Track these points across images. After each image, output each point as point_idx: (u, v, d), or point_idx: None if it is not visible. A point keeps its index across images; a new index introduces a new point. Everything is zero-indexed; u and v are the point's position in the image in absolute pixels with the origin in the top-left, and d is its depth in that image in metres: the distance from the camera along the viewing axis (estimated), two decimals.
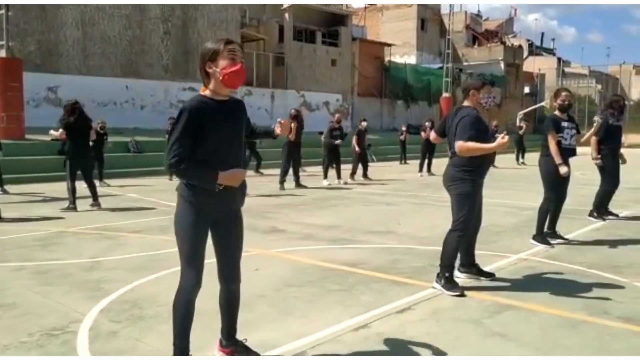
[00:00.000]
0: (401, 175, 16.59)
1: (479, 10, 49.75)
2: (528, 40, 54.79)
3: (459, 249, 4.73)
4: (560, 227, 7.35)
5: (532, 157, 25.01)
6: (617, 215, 8.33)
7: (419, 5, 40.28)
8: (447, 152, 16.81)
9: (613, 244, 6.39)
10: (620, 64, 45.47)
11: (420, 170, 16.66)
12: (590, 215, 8.15)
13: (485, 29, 48.02)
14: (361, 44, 32.53)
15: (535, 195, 8.22)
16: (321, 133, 13.87)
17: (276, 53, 29.10)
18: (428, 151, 16.88)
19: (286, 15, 28.48)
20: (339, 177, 13.96)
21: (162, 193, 11.57)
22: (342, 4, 31.55)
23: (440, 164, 19.10)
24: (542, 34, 63.54)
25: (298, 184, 12.82)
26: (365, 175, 15.15)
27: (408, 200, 10.47)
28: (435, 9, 41.60)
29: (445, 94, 35.04)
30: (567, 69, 58.79)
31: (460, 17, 45.50)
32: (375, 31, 41.70)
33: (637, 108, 46.81)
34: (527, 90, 46.52)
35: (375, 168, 20.69)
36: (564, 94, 6.24)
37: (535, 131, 46.62)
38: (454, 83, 38.05)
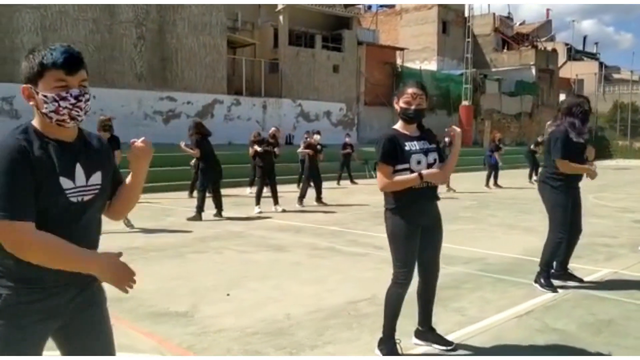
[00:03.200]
0: (369, 198, 13.85)
1: (509, 12, 46.13)
2: (567, 45, 50.72)
3: None
4: (473, 303, 4.65)
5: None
6: (580, 280, 5.47)
7: (439, 6, 37.24)
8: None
9: (535, 354, 3.61)
10: None
11: None
12: (537, 280, 5.32)
13: (517, 32, 44.47)
14: (368, 48, 29.84)
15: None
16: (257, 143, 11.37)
17: (271, 59, 26.79)
18: None
19: (280, 18, 26.14)
20: (275, 202, 11.38)
21: None
22: (345, 5, 28.97)
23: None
24: (585, 38, 59.19)
25: (218, 213, 10.37)
26: (318, 199, 12.52)
27: (317, 242, 7.80)
28: (459, 11, 38.43)
29: (464, 102, 31.99)
30: (616, 76, 54.25)
31: (488, 19, 42.29)
32: (394, 35, 38.93)
33: None
34: (562, 97, 42.67)
35: (361, 186, 17.98)
36: (410, 90, 3.52)
37: None
38: (478, 90, 34.97)
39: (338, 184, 18.53)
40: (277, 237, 8.05)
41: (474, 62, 39.38)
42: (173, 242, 7.72)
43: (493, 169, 16.72)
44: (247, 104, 25.00)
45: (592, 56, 55.40)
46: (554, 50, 42.80)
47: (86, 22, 20.59)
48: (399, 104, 3.53)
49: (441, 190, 12.75)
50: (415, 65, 35.54)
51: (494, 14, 42.28)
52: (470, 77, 31.97)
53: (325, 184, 18.23)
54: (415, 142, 3.54)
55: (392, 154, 3.46)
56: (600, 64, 49.82)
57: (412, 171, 3.46)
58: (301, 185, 12.35)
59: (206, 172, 10.12)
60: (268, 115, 25.56)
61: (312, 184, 12.36)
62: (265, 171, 11.17)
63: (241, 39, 25.80)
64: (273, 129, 12.09)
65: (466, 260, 6.50)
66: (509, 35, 42.56)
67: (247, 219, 10.18)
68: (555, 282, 5.35)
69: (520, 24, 53.51)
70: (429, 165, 3.51)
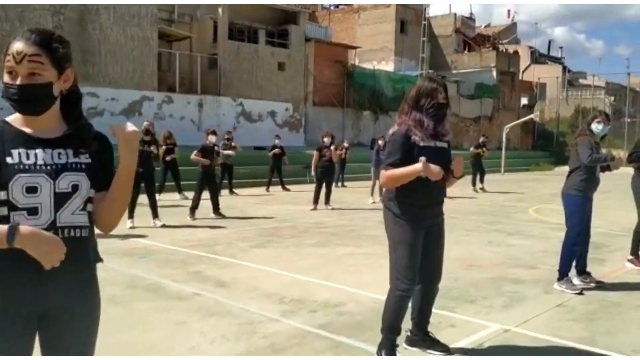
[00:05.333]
0: (283, 209, 12.17)
1: (471, 13, 44.98)
2: (530, 48, 49.85)
3: None
4: None
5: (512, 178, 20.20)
6: (445, 350, 3.80)
7: (397, 5, 35.80)
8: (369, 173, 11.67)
9: None
10: (628, 73, 40.30)
11: (315, 202, 12.30)
12: (379, 352, 3.64)
13: (478, 33, 43.36)
14: (318, 45, 28.19)
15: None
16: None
17: (209, 54, 24.93)
18: (325, 178, 12.54)
19: (220, 10, 24.31)
20: (154, 215, 9.58)
21: None
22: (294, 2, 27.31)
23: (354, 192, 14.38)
24: (550, 42, 58.47)
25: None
26: (216, 210, 10.76)
27: (146, 275, 6.08)
28: (418, 10, 37.06)
29: None
30: (582, 81, 53.65)
31: (449, 20, 41.08)
32: (351, 34, 37.39)
33: None
34: (524, 101, 41.68)
35: (291, 193, 16.20)
36: (14, 48, 1.66)
37: (535, 147, 41.71)
38: None
39: (267, 190, 16.77)
40: (104, 267, 6.28)
41: (433, 63, 38.13)
42: None
43: None
44: (181, 101, 23.08)
45: (557, 60, 54.74)
46: (516, 53, 41.74)
47: None
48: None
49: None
50: (372, 65, 34.05)
51: (454, 14, 41.07)
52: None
53: (253, 190, 16.57)
54: (39, 152, 1.81)
55: None
56: (564, 68, 49.10)
57: (13, 207, 1.74)
58: (193, 195, 10.58)
59: None
60: (205, 115, 23.67)
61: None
62: (140, 178, 9.32)
63: (176, 32, 23.91)
64: (146, 123, 10.17)
65: (316, 306, 4.82)
66: (470, 37, 41.39)
67: (112, 236, 8.37)
68: (412, 351, 3.72)
69: (485, 27, 52.53)
70: (58, 197, 1.79)
